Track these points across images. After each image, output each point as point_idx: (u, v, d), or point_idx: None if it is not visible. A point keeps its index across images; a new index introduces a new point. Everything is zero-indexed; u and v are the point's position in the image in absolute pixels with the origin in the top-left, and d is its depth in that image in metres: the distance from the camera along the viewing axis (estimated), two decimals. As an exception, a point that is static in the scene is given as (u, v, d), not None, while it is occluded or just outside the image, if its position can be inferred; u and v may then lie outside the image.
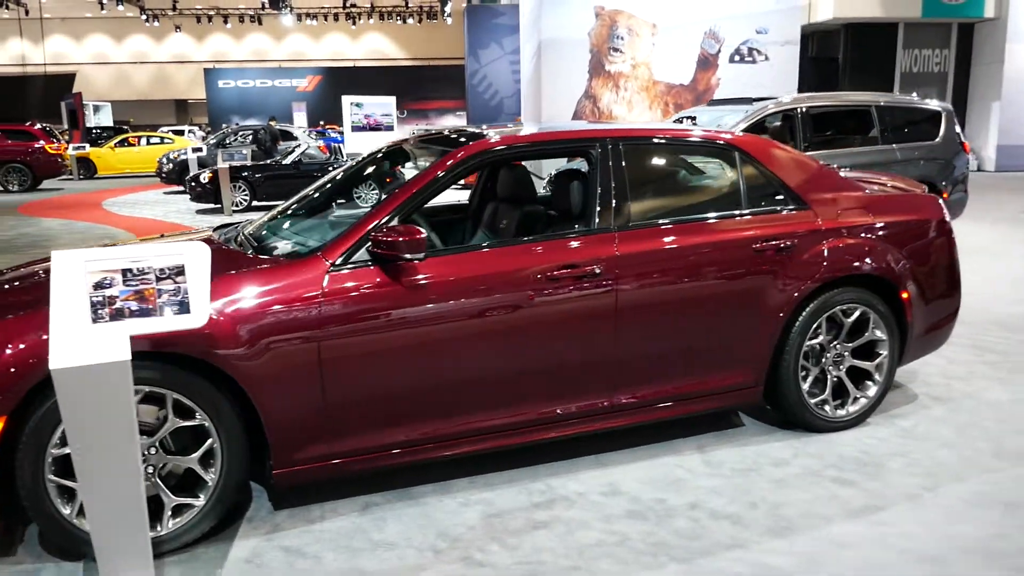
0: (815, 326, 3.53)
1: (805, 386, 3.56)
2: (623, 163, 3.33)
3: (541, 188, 4.48)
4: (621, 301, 3.15)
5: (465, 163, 3.12)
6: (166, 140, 23.04)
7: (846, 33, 20.33)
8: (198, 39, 44.65)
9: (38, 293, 2.68)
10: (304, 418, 2.80)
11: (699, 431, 3.67)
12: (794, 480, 3.22)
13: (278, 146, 16.16)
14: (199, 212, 13.45)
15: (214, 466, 2.72)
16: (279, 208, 3.69)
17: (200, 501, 2.72)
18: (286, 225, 3.40)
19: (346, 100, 16.15)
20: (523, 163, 3.87)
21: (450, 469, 3.27)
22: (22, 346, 2.42)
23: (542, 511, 2.99)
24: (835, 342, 3.62)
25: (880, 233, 3.65)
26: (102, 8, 36.05)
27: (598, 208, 3.24)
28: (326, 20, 42.26)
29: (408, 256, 2.79)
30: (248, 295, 2.73)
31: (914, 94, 8.92)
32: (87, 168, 21.94)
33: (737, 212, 3.49)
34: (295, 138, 17.46)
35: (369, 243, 2.85)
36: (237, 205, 13.06)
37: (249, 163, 13.69)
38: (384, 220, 2.92)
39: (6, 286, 3.04)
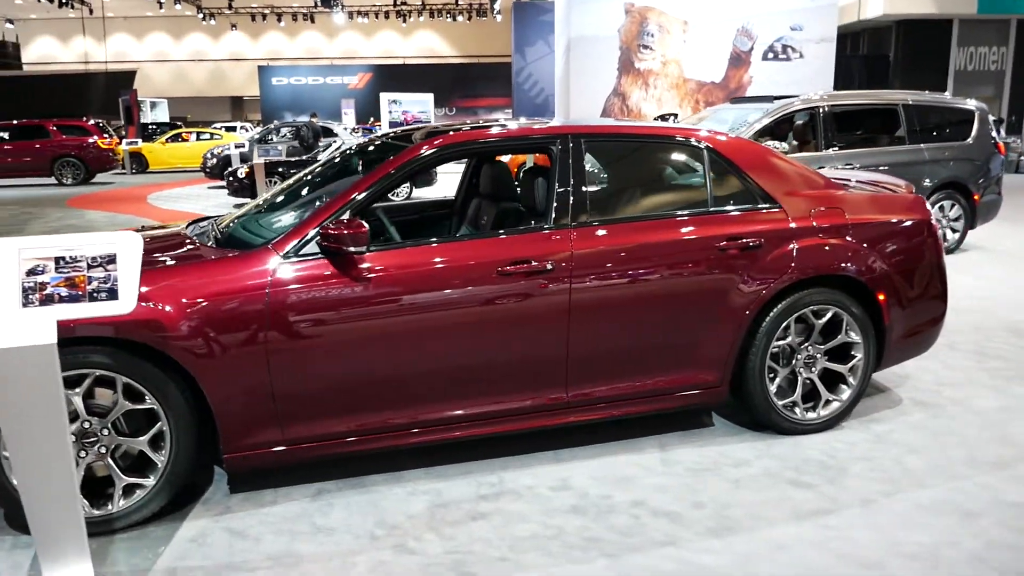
0: (783, 327, 3.48)
1: (772, 387, 3.51)
2: (583, 160, 3.33)
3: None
4: (575, 297, 3.16)
5: (419, 160, 3.16)
6: (215, 136, 23.62)
7: (898, 30, 19.82)
8: (253, 37, 45.63)
9: None
10: (253, 405, 2.88)
11: (665, 430, 3.65)
12: (749, 481, 3.19)
13: (319, 142, 16.45)
14: (236, 207, 13.78)
15: (164, 449, 2.82)
16: (255, 201, 3.79)
17: (150, 482, 2.82)
18: (256, 218, 3.48)
19: (384, 97, 16.36)
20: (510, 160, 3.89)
21: (406, 459, 3.33)
22: None
23: (487, 503, 3.02)
24: (806, 344, 3.56)
25: (856, 233, 3.57)
26: (161, 7, 37.14)
27: (555, 204, 3.25)
28: (377, 18, 42.79)
29: (352, 249, 2.85)
30: (198, 285, 2.82)
31: (946, 93, 8.64)
32: (139, 163, 22.64)
33: (703, 210, 3.46)
34: (335, 134, 17.76)
35: (318, 237, 2.91)
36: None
37: (284, 158, 13.97)
38: (334, 214, 2.98)
39: None
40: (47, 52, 44.02)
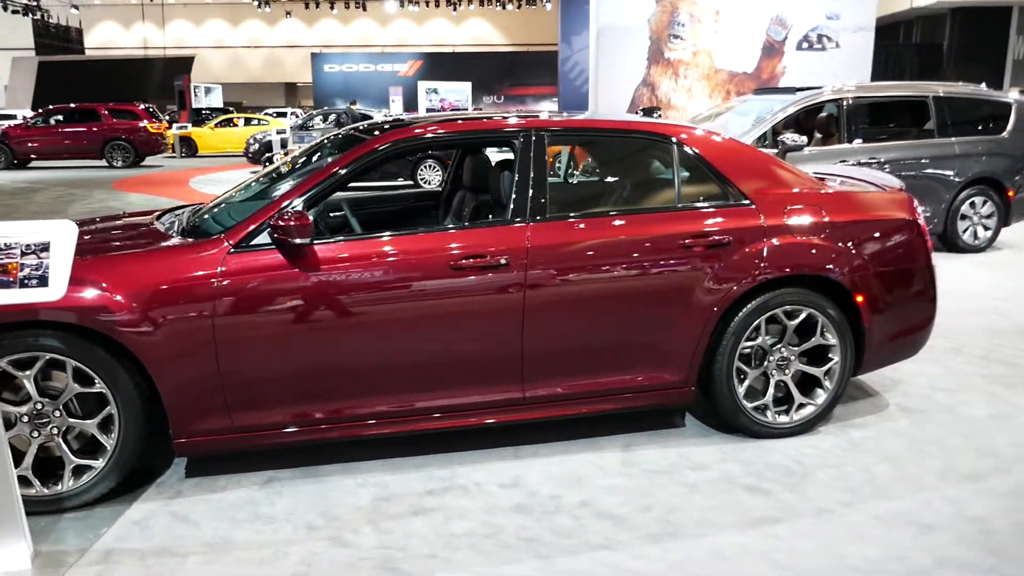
0: (754, 327, 3.38)
1: (741, 389, 3.42)
2: (545, 154, 3.28)
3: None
4: (530, 293, 3.12)
5: (376, 152, 3.15)
6: (261, 122, 24.02)
7: (953, 18, 19.10)
8: (308, 24, 46.23)
9: None
10: (201, 392, 2.91)
11: (632, 430, 3.59)
12: (706, 485, 3.12)
13: (357, 129, 16.58)
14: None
15: (113, 432, 2.87)
16: (232, 190, 3.82)
17: (99, 463, 2.88)
18: (228, 208, 3.51)
19: (422, 85, 16.41)
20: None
21: (362, 451, 3.34)
22: None
23: (432, 498, 3.01)
24: (779, 345, 3.46)
25: (833, 232, 3.45)
26: (216, -6, 37.85)
27: (514, 198, 3.21)
28: (427, 6, 42.89)
29: (297, 240, 2.86)
30: (149, 273, 2.86)
31: (982, 85, 8.28)
32: (189, 147, 23.18)
33: (669, 206, 3.38)
34: (374, 121, 17.89)
35: (268, 228, 2.93)
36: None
37: (319, 145, 14.11)
38: (287, 205, 2.99)
39: None
40: (109, 37, 45.26)
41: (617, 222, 3.29)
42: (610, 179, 3.61)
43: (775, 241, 3.36)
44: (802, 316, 3.43)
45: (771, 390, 3.48)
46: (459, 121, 3.46)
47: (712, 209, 3.40)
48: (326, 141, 3.75)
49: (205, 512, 2.92)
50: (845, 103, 7.50)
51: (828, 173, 4.19)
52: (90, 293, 2.75)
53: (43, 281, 2.33)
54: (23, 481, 2.80)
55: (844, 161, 7.31)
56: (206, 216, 3.34)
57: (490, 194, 3.60)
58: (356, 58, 43.52)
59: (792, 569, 2.57)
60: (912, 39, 20.78)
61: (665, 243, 3.26)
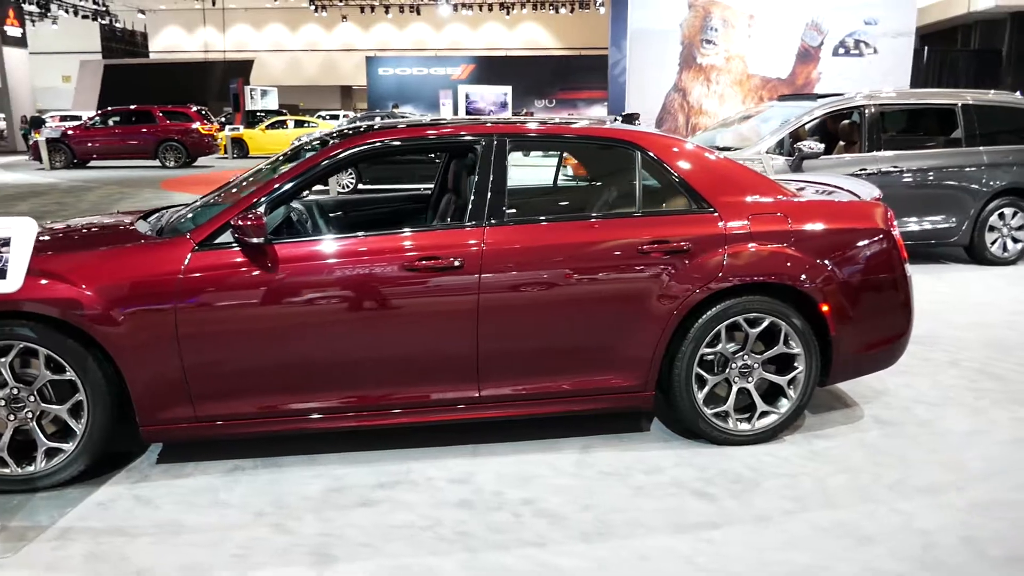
0: (714, 334, 3.40)
1: (700, 395, 3.44)
2: (505, 159, 3.36)
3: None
4: (484, 295, 3.19)
5: (334, 159, 3.27)
6: (310, 124, 24.56)
7: (1013, 23, 18.48)
8: (364, 28, 47.08)
9: None
10: (166, 382, 3.07)
11: (594, 432, 3.63)
12: (653, 488, 3.15)
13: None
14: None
15: (82, 418, 3.05)
16: (215, 192, 3.98)
17: (70, 447, 3.06)
18: (206, 209, 3.66)
19: (461, 89, 16.60)
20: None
21: (325, 444, 3.46)
22: None
23: (382, 490, 3.11)
24: (742, 352, 3.47)
25: (799, 240, 3.44)
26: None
27: (472, 202, 3.29)
28: (481, 10, 43.21)
29: (253, 240, 3.00)
30: (117, 268, 3.03)
31: (1017, 93, 8.04)
32: (240, 148, 23.83)
33: (628, 211, 3.42)
34: (416, 125, 18.16)
35: (230, 228, 3.07)
36: (344, 187, 13.81)
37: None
38: (249, 207, 3.12)
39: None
40: (173, 41, 46.81)
41: (575, 227, 3.35)
42: (573, 184, 3.66)
43: (736, 248, 3.38)
44: (764, 324, 3.43)
45: (732, 397, 3.49)
46: (424, 127, 3.56)
47: (672, 216, 3.43)
48: (307, 145, 3.88)
49: (166, 496, 3.07)
50: (868, 110, 7.37)
51: (808, 181, 4.17)
52: (60, 287, 2.93)
53: (2, 274, 2.50)
54: (-2, 461, 3.01)
55: (864, 170, 7.21)
56: (187, 215, 3.51)
57: (461, 197, 3.69)
58: (410, 62, 44.08)
59: (712, 572, 2.59)
60: (970, 44, 20.17)
61: (622, 248, 3.30)
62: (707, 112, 10.92)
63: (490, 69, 41.24)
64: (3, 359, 2.96)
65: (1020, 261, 7.66)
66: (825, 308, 3.45)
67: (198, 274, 3.04)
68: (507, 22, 46.44)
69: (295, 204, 4.14)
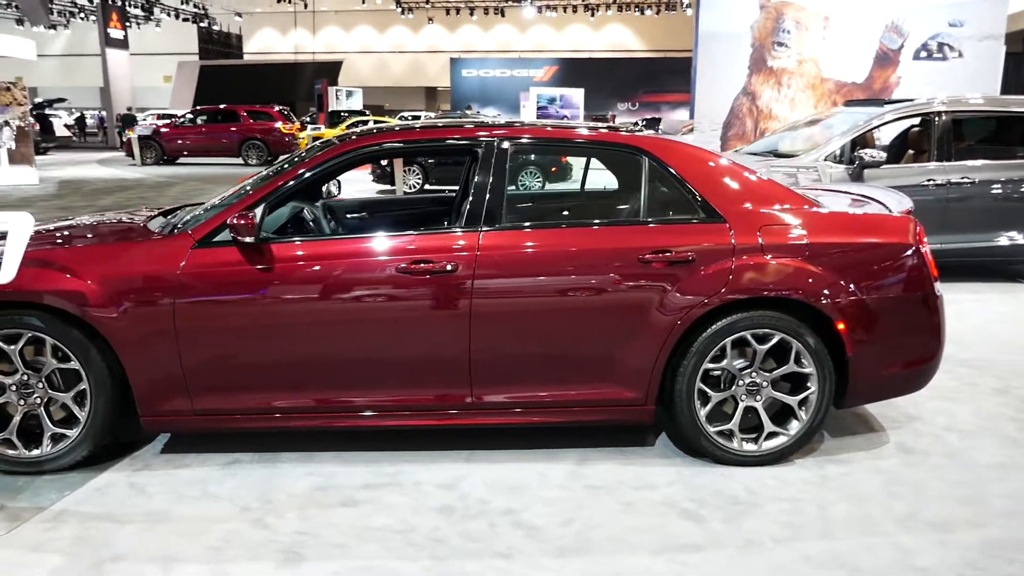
0: (719, 349, 3.27)
1: (703, 411, 3.32)
2: (506, 164, 3.32)
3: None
4: (477, 300, 3.16)
5: (333, 160, 3.29)
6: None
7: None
8: (450, 30, 47.68)
9: None
10: (164, 375, 3.16)
11: (595, 444, 3.55)
12: (643, 506, 3.05)
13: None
14: (379, 192, 14.60)
15: (86, 406, 3.17)
16: (231, 192, 4.07)
17: (74, 433, 3.19)
18: (215, 208, 3.73)
19: (533, 91, 16.60)
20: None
21: (321, 443, 3.50)
22: None
23: (368, 492, 3.12)
24: (750, 369, 3.33)
25: (814, 254, 3.27)
26: (363, 1, 39.76)
27: (469, 206, 3.27)
28: (565, 12, 43.13)
29: (246, 239, 3.05)
30: (120, 263, 3.14)
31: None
32: (321, 147, 24.44)
33: (632, 219, 3.32)
34: (488, 126, 18.26)
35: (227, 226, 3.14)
36: (411, 188, 14.01)
37: (425, 148, 14.55)
38: (248, 206, 3.18)
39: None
40: (267, 43, 48.53)
41: (574, 233, 3.28)
42: (576, 189, 3.59)
43: (745, 260, 3.24)
44: (774, 341, 3.28)
45: (738, 416, 3.35)
46: (423, 130, 3.56)
47: (678, 225, 3.32)
48: (318, 145, 3.93)
49: (160, 486, 3.16)
50: (940, 118, 6.98)
51: (838, 191, 3.97)
52: (67, 280, 3.06)
53: (-2, 265, 2.62)
54: (7, 443, 3.16)
55: (932, 180, 6.85)
56: (197, 214, 3.60)
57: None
58: (493, 63, 44.39)
59: (685, 599, 2.49)
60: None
61: (622, 256, 3.21)
62: (777, 117, 10.55)
63: (572, 71, 41.10)
64: (13, 347, 3.10)
65: (1105, 282, 7.13)
66: (841, 326, 3.27)
67: (195, 270, 3.11)
68: (592, 24, 46.23)
69: (315, 203, 4.21)
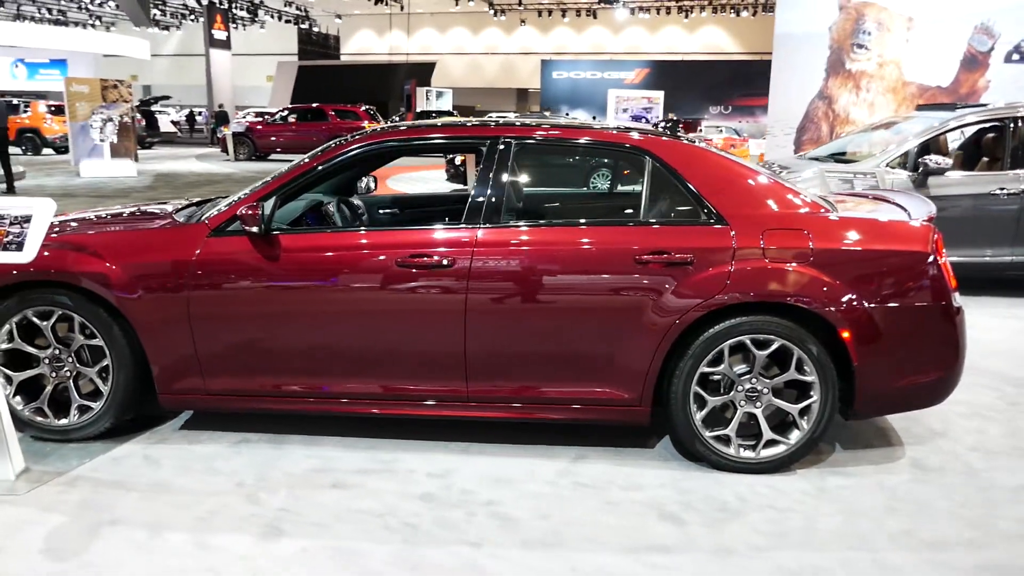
0: (716, 352, 3.23)
1: (699, 415, 3.28)
2: (508, 162, 3.37)
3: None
4: (472, 295, 3.22)
5: (341, 156, 3.42)
6: (473, 124, 25.27)
7: None
8: (543, 32, 47.84)
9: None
10: (179, 355, 3.36)
11: (594, 443, 3.56)
12: (625, 505, 3.05)
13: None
14: (453, 191, 14.82)
15: (109, 381, 3.40)
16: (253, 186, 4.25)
17: (98, 405, 3.42)
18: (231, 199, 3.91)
19: (612, 93, 16.52)
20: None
21: (327, 427, 3.63)
22: None
23: (360, 476, 3.23)
24: (749, 375, 3.27)
25: (819, 259, 3.19)
26: (456, 3, 40.36)
27: (470, 203, 3.33)
28: (659, 14, 42.63)
29: (253, 230, 3.21)
30: (140, 249, 3.36)
31: None
32: (406, 146, 24.97)
33: (630, 219, 3.31)
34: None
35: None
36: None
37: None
38: (259, 199, 3.34)
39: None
40: (364, 44, 49.90)
41: (572, 232, 3.30)
42: (577, 189, 3.60)
43: (745, 264, 3.19)
44: (774, 347, 3.21)
45: (736, 421, 3.29)
46: (429, 128, 3.64)
47: (677, 226, 3.29)
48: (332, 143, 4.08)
49: (171, 459, 3.36)
50: (1012, 124, 6.62)
51: (859, 195, 3.84)
52: (93, 262, 3.29)
53: (20, 246, 2.86)
54: (39, 412, 3.42)
55: (1003, 189, 6.49)
56: (219, 204, 3.80)
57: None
58: (584, 65, 44.26)
59: (642, 599, 2.48)
60: None
61: (618, 256, 3.21)
62: (854, 121, 10.14)
63: (664, 73, 40.57)
64: (46, 323, 3.36)
65: None
66: (846, 335, 3.18)
67: (208, 258, 3.29)
68: (686, 25, 45.54)
69: (349, 198, 4.36)
